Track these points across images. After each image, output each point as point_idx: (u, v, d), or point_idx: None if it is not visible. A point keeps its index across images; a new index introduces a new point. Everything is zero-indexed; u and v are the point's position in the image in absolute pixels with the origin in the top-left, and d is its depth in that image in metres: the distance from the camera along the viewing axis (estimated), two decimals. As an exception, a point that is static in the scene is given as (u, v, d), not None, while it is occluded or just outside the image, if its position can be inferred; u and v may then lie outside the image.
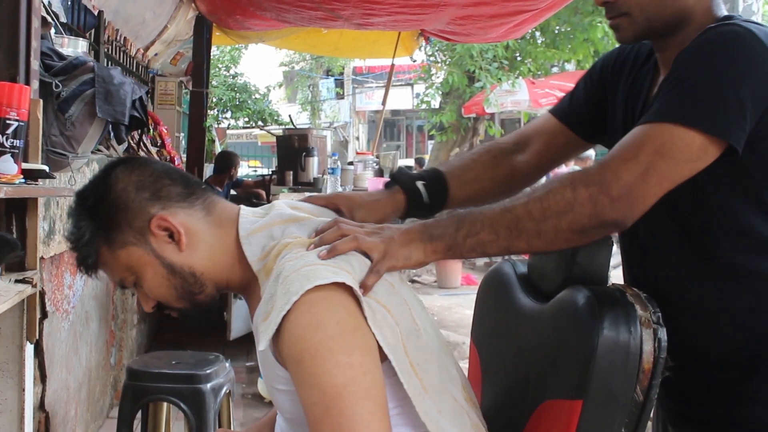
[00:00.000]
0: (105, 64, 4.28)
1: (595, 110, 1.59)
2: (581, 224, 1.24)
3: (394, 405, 1.20)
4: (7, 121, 1.96)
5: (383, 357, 1.18)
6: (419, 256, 1.28)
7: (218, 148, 10.36)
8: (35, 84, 2.30)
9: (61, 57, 2.72)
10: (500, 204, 1.29)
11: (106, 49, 4.56)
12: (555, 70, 13.83)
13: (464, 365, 1.49)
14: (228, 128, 16.43)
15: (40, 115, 2.17)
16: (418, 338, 1.25)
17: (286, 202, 1.45)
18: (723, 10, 1.40)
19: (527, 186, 1.66)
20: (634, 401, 1.25)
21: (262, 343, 1.17)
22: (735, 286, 1.35)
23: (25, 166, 2.05)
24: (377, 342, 1.16)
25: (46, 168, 2.18)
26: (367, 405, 1.11)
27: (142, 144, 4.31)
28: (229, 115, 14.95)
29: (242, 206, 1.41)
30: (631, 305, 1.27)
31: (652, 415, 1.56)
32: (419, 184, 1.54)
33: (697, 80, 1.26)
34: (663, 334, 1.26)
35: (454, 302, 7.48)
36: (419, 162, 15.51)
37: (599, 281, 1.37)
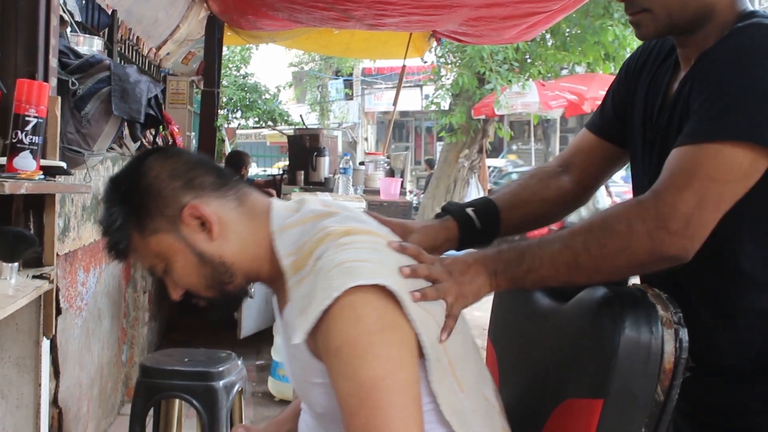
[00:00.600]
0: (118, 63, 4.30)
1: (624, 116, 1.56)
2: (640, 260, 1.24)
3: (429, 401, 1.20)
4: (27, 118, 1.97)
5: (420, 354, 1.19)
6: (486, 291, 1.30)
7: (228, 148, 10.37)
8: (53, 81, 2.31)
9: (77, 55, 2.73)
10: (559, 238, 1.29)
11: (119, 48, 4.58)
12: (565, 72, 13.81)
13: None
14: (238, 128, 16.46)
15: (59, 113, 2.18)
16: (456, 336, 1.26)
17: (316, 199, 1.45)
18: (746, 4, 1.37)
19: (578, 205, 1.66)
20: (655, 401, 1.25)
21: (298, 336, 1.17)
22: (760, 289, 1.33)
23: (43, 162, 2.06)
24: (416, 339, 1.17)
25: (64, 165, 2.19)
26: (403, 399, 1.12)
27: (155, 143, 4.33)
28: (239, 114, 14.98)
29: (274, 199, 1.41)
30: (652, 305, 1.27)
31: None
32: (469, 210, 1.55)
33: (738, 90, 1.22)
34: (684, 334, 1.26)
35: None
36: (429, 163, 15.50)
37: (619, 281, 1.37)
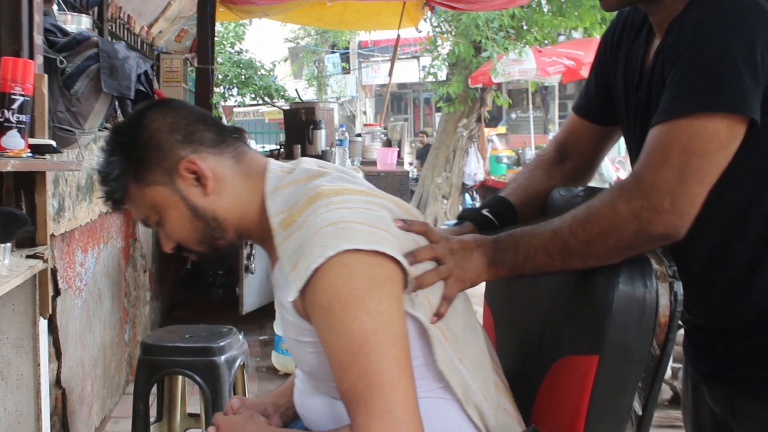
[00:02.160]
0: (106, 40, 4.26)
1: (606, 93, 1.55)
2: (629, 241, 1.22)
3: (417, 355, 1.21)
4: (12, 96, 1.95)
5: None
6: (484, 278, 1.33)
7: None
8: (39, 59, 2.29)
9: (64, 33, 2.70)
10: (550, 226, 1.29)
11: (110, 27, 4.55)
12: (562, 38, 13.72)
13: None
14: (235, 106, 16.39)
15: (45, 90, 2.16)
16: (441, 289, 1.28)
17: (312, 160, 1.45)
18: None
19: (584, 184, 1.66)
20: (650, 355, 1.24)
21: (291, 295, 1.18)
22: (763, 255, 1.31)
23: (32, 141, 2.04)
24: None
25: (53, 143, 2.17)
26: (394, 352, 1.13)
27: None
28: (235, 92, 14.90)
29: (271, 160, 1.41)
30: (646, 259, 1.26)
31: (681, 373, 1.56)
32: (485, 212, 1.55)
33: (706, 60, 1.21)
34: (679, 287, 1.25)
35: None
36: (424, 133, 15.48)
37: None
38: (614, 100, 1.53)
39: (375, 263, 1.16)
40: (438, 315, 1.25)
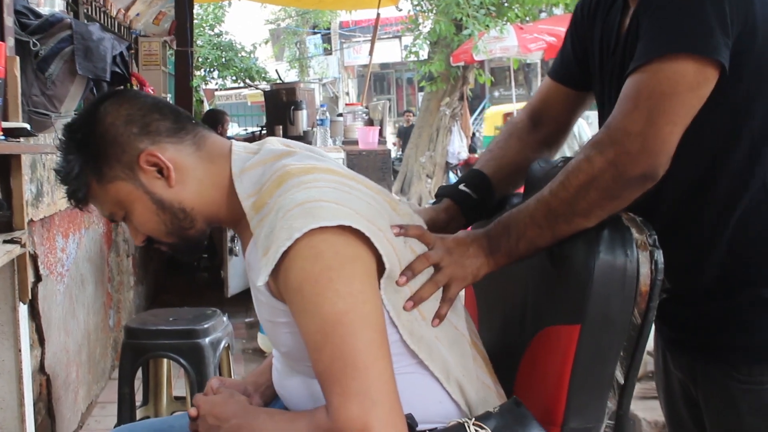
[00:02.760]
0: (80, 21, 4.20)
1: (583, 58, 1.55)
2: (609, 190, 1.21)
3: (394, 331, 1.20)
4: (-16, 79, 1.92)
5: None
6: (485, 271, 1.31)
7: (206, 109, 10.27)
8: (10, 41, 2.25)
9: (37, 15, 2.66)
10: (534, 197, 1.29)
11: (85, 10, 4.48)
12: (543, 15, 13.68)
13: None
14: (217, 89, 16.29)
15: (18, 72, 2.12)
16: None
17: (278, 139, 1.43)
18: None
19: (558, 149, 1.67)
20: (632, 324, 1.24)
21: (261, 279, 1.17)
22: (733, 215, 1.32)
23: (5, 125, 2.01)
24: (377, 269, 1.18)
25: (27, 126, 2.14)
26: (368, 331, 1.12)
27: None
28: (216, 74, 14.81)
29: (234, 141, 1.39)
30: (627, 228, 1.25)
31: (653, 344, 1.56)
32: (462, 187, 1.55)
33: (673, 8, 1.21)
34: (659, 256, 1.24)
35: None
36: (410, 112, 15.45)
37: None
38: (590, 66, 1.52)
39: (342, 242, 1.14)
40: (439, 317, 1.26)
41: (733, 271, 1.33)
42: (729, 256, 1.32)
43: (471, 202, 1.54)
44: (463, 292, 1.67)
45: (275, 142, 1.39)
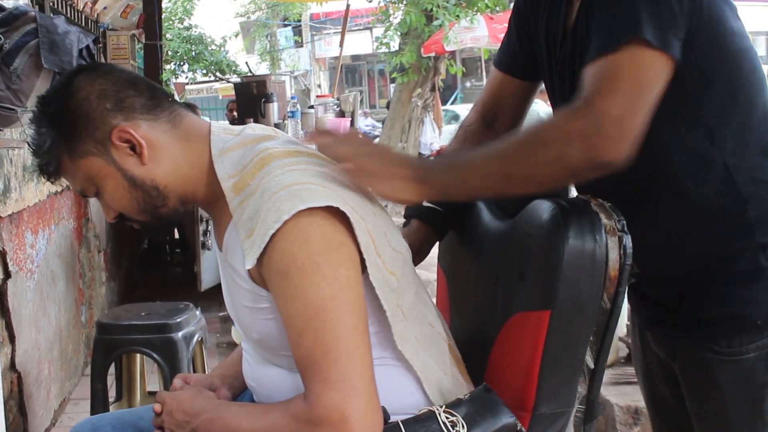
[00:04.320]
0: (45, 14, 4.15)
1: (529, 50, 1.54)
2: (574, 168, 1.21)
3: (372, 323, 1.19)
4: (-54, 73, 1.89)
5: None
6: (408, 195, 1.26)
7: (177, 103, 10.18)
8: (-26, 34, 2.22)
9: (0, 8, 2.62)
10: (493, 149, 1.26)
11: (51, 3, 4.42)
12: (513, 4, 13.70)
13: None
14: (187, 83, 16.18)
15: (-19, 67, 2.09)
16: (404, 265, 1.25)
17: (259, 125, 1.42)
18: None
19: None
20: (601, 309, 1.25)
21: (249, 262, 1.16)
22: (685, 203, 1.34)
23: (-31, 119, 1.98)
24: (362, 261, 1.16)
25: (-8, 120, 2.11)
26: (351, 318, 1.12)
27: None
28: (186, 68, 14.71)
29: (213, 123, 1.38)
30: (595, 214, 1.26)
31: (629, 327, 1.58)
32: (425, 203, 1.52)
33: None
34: (628, 241, 1.25)
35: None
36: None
37: (559, 193, 1.36)
38: (536, 56, 1.52)
39: (330, 227, 1.14)
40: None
41: (704, 250, 1.34)
42: (696, 236, 1.34)
43: (438, 215, 1.53)
44: (434, 285, 1.67)
45: (256, 128, 1.38)
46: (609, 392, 2.96)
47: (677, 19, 1.21)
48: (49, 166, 1.30)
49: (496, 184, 1.25)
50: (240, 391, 1.50)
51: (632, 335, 1.61)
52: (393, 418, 1.18)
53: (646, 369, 1.58)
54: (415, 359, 1.23)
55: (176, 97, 11.26)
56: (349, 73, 26.27)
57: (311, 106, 5.42)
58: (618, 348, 3.32)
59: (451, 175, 1.26)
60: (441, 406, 1.18)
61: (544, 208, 1.29)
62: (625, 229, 1.26)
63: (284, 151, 1.23)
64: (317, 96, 6.01)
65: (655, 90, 1.21)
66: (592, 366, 1.29)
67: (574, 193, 1.40)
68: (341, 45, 7.29)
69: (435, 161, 1.29)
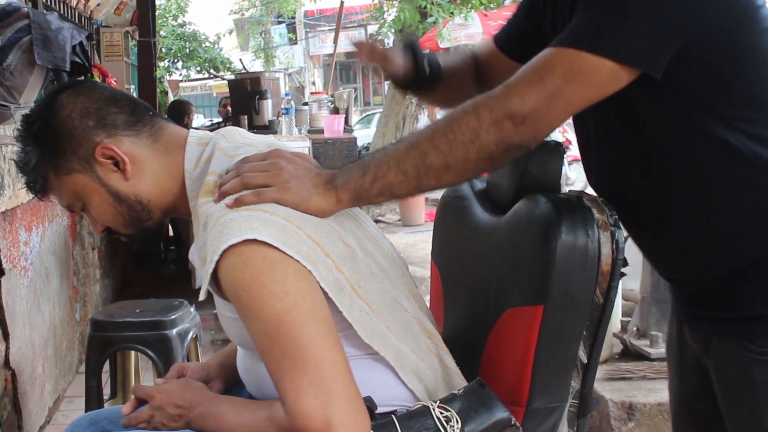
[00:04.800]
0: (38, 11, 4.13)
1: (537, 38, 1.50)
2: (489, 151, 1.20)
3: (342, 327, 1.19)
4: (-61, 70, 1.89)
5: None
6: (319, 203, 1.22)
7: (171, 100, 10.17)
8: (-33, 31, 2.21)
9: (-7, 5, 2.62)
10: (405, 141, 1.24)
11: (44, 0, 4.42)
12: (508, 1, 13.71)
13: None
14: (181, 81, 16.16)
15: (-26, 63, 2.09)
16: (354, 260, 1.23)
17: (238, 131, 1.42)
18: None
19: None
20: (594, 303, 1.26)
21: (202, 293, 1.19)
22: (714, 199, 1.30)
23: (-37, 116, 1.98)
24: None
25: (-16, 117, 2.11)
26: (313, 325, 1.12)
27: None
28: (180, 65, 14.69)
29: (192, 132, 1.39)
30: (588, 209, 1.27)
31: (669, 317, 1.58)
32: (425, 65, 1.58)
33: (606, 4, 1.20)
34: (620, 236, 1.26)
35: (419, 239, 7.48)
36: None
37: (552, 188, 1.36)
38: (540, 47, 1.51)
39: (267, 247, 1.13)
40: (238, 200, 1.19)
41: (739, 250, 1.31)
42: (732, 237, 1.31)
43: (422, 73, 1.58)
44: (428, 281, 1.67)
45: (233, 134, 1.38)
46: (603, 388, 2.96)
47: (661, 34, 1.19)
48: (35, 183, 1.33)
49: (412, 178, 1.22)
50: (233, 383, 1.51)
51: (669, 326, 1.59)
52: (381, 409, 1.19)
53: (679, 361, 1.55)
54: (387, 349, 1.22)
55: (170, 94, 11.25)
56: (344, 70, 26.24)
57: (305, 103, 5.42)
58: (612, 344, 3.33)
59: (369, 176, 1.22)
60: (435, 401, 1.18)
61: (536, 203, 1.30)
62: (618, 223, 1.27)
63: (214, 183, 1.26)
64: (311, 93, 6.03)
65: (588, 92, 1.20)
66: (585, 361, 1.30)
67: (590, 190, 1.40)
68: (335, 42, 7.28)
69: (348, 168, 1.25)
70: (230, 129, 1.41)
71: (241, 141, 1.37)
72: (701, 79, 1.24)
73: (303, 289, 1.13)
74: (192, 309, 2.82)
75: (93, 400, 2.70)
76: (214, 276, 1.15)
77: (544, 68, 1.20)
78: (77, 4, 5.43)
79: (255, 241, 1.12)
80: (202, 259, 1.18)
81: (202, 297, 1.19)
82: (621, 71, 1.19)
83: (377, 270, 1.28)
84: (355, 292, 1.20)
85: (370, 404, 1.17)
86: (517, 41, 1.58)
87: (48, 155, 1.30)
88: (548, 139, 1.30)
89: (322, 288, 1.16)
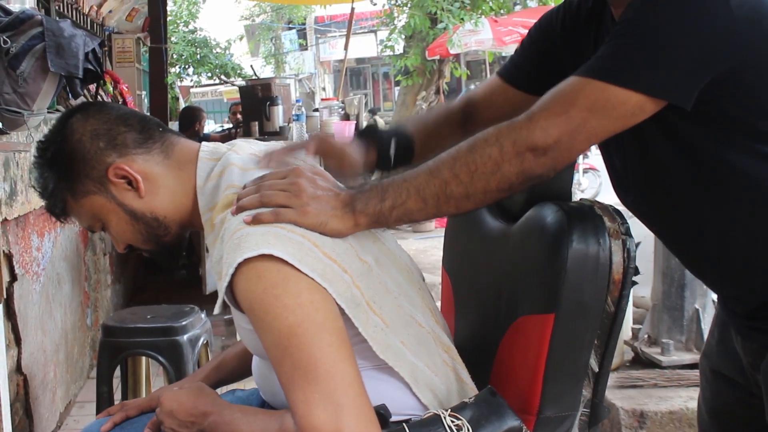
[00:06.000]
0: (51, 18, 4.16)
1: (543, 65, 1.52)
2: (509, 182, 1.20)
3: (357, 341, 1.19)
4: (-46, 77, 1.90)
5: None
6: (337, 226, 1.22)
7: (182, 106, 10.20)
8: (-19, 39, 2.22)
9: (7, 12, 2.63)
10: (425, 168, 1.23)
11: (57, 7, 4.44)
12: (518, 7, 13.72)
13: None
14: (192, 87, 16.22)
15: (-12, 70, 2.10)
16: (369, 276, 1.23)
17: (248, 142, 1.43)
18: None
19: None
20: (605, 312, 1.26)
21: (217, 307, 1.20)
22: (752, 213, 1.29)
23: (-24, 123, 1.99)
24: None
25: (-1, 124, 2.12)
26: (325, 337, 1.12)
27: (99, 99, 4.21)
28: (191, 71, 14.74)
29: (203, 145, 1.40)
30: (599, 217, 1.27)
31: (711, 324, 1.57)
32: (392, 144, 1.51)
33: (638, 35, 1.19)
34: (632, 244, 1.26)
35: (429, 245, 7.48)
36: (373, 112, 15.45)
37: (563, 196, 1.36)
38: (551, 73, 1.46)
39: (281, 261, 1.13)
40: (256, 219, 1.18)
41: None
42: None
43: (386, 160, 1.52)
44: (439, 289, 1.67)
45: (243, 148, 1.39)
46: (614, 396, 2.96)
47: (687, 64, 1.17)
48: (55, 207, 1.37)
49: (431, 206, 1.22)
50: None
51: (710, 336, 1.57)
52: (394, 418, 1.19)
53: (716, 374, 1.53)
54: (401, 364, 1.22)
55: (182, 100, 11.29)
56: (354, 76, 26.29)
57: (316, 109, 5.43)
58: (623, 351, 3.32)
59: (388, 202, 1.22)
60: (446, 410, 1.18)
61: (548, 212, 1.30)
62: (629, 232, 1.27)
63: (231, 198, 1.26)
64: (322, 99, 6.04)
65: (612, 124, 1.20)
66: (596, 369, 1.29)
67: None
68: (346, 48, 7.30)
69: (367, 190, 1.24)
70: (239, 142, 1.42)
71: (249, 152, 1.38)
72: (738, 100, 1.22)
73: (316, 301, 1.13)
74: (203, 315, 2.83)
75: (104, 405, 2.70)
76: (230, 288, 1.16)
77: (569, 100, 1.19)
78: (89, 11, 5.46)
79: (271, 256, 1.12)
80: (218, 273, 1.19)
81: (217, 310, 1.20)
82: (647, 103, 1.18)
83: (393, 285, 1.28)
84: (370, 307, 1.20)
85: (384, 412, 1.17)
86: (527, 72, 1.56)
87: (64, 180, 1.33)
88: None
89: (338, 304, 1.15)
